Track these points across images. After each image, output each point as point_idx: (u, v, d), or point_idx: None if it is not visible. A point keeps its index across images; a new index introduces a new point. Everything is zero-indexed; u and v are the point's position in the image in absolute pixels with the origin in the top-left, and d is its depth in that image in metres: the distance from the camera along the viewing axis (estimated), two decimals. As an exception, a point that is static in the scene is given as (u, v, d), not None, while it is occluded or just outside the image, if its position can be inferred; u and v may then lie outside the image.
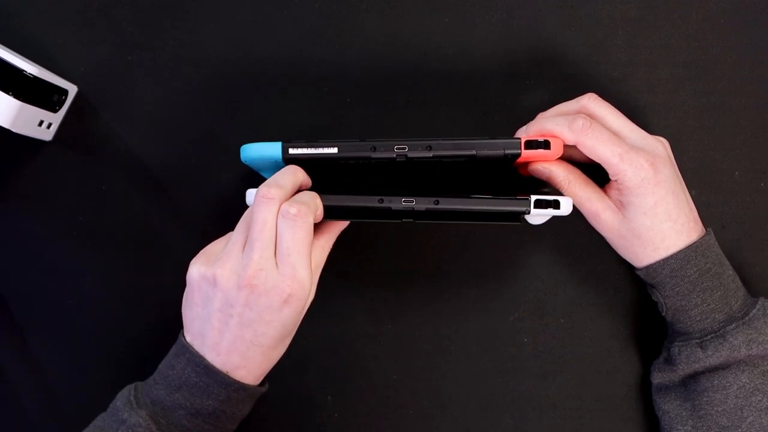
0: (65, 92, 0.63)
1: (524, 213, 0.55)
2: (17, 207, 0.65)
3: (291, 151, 0.54)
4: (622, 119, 0.58)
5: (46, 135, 0.63)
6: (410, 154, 0.53)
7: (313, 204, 0.53)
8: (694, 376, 0.57)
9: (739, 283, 0.58)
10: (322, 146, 0.54)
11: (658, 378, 0.60)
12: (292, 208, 0.51)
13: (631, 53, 0.63)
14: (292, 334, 0.55)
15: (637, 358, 0.64)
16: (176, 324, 0.65)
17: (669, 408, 0.59)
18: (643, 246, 0.57)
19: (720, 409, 0.56)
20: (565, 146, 0.59)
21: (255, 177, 0.64)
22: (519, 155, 0.54)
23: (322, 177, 0.59)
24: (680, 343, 0.57)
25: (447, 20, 0.63)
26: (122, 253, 0.65)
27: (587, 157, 0.58)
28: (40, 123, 0.61)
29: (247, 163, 0.57)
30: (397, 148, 0.53)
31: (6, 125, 0.57)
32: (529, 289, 0.64)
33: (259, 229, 0.51)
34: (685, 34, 0.63)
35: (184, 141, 0.64)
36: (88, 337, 0.65)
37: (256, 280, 0.51)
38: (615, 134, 0.56)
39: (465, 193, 0.55)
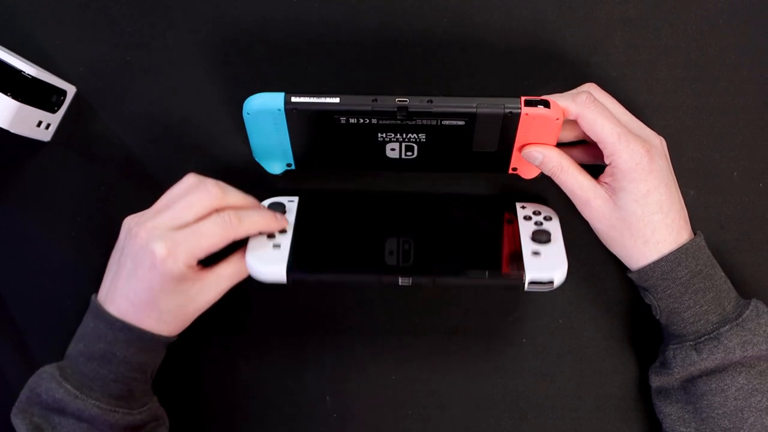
0: (63, 93, 0.63)
1: (520, 287, 0.56)
2: (16, 207, 0.65)
3: (293, 99, 0.55)
4: (621, 109, 0.58)
5: (45, 135, 0.63)
6: (411, 107, 0.54)
7: (248, 225, 0.56)
8: (691, 380, 0.57)
9: (731, 286, 0.58)
10: (324, 97, 0.54)
11: (656, 382, 0.60)
12: (234, 218, 0.55)
13: (630, 53, 0.63)
14: (173, 314, 0.56)
15: (636, 359, 0.64)
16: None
17: (671, 411, 0.59)
18: (632, 238, 0.57)
19: (720, 411, 0.56)
20: (564, 147, 0.59)
21: (254, 180, 0.64)
22: (519, 113, 0.54)
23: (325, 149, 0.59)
24: (675, 346, 0.57)
25: (445, 20, 0.63)
26: (122, 253, 0.65)
27: (585, 156, 0.58)
28: (39, 123, 0.61)
29: (248, 122, 0.57)
30: (398, 100, 0.54)
31: (4, 126, 0.57)
32: (528, 289, 0.65)
33: (183, 206, 0.54)
34: (684, 35, 0.63)
35: (183, 141, 0.64)
36: (88, 337, 0.65)
37: (144, 231, 0.53)
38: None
39: (462, 269, 0.57)
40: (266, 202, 0.62)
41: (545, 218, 0.61)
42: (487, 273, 0.57)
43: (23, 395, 0.56)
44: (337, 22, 0.64)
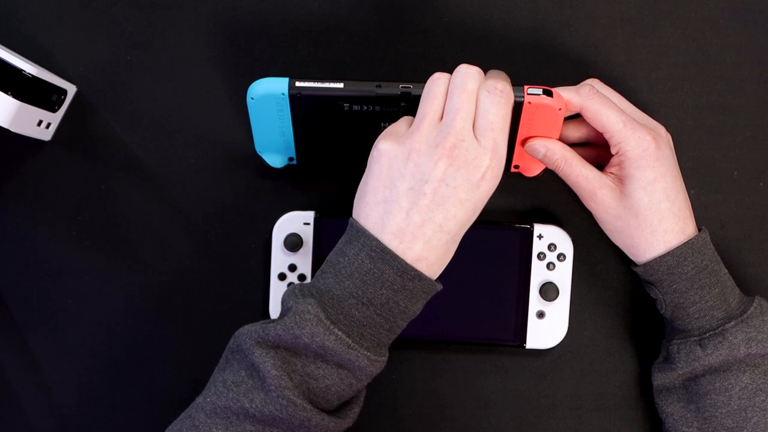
0: (64, 92, 0.63)
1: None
2: (16, 207, 0.65)
3: (298, 84, 0.55)
4: (625, 102, 0.59)
5: (45, 135, 0.63)
6: (414, 93, 0.55)
7: (510, 86, 0.53)
8: (694, 379, 0.57)
9: (734, 283, 0.58)
10: (329, 82, 0.55)
11: (658, 379, 0.60)
12: (498, 84, 0.51)
13: (630, 53, 0.63)
14: (463, 232, 0.52)
15: (636, 358, 0.64)
16: (176, 323, 0.65)
17: (673, 410, 0.58)
18: (640, 227, 0.56)
19: (724, 411, 0.56)
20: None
21: (256, 179, 0.64)
22: (522, 101, 0.54)
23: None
24: (679, 341, 0.57)
25: (446, 20, 0.64)
26: (122, 253, 0.65)
27: (588, 156, 0.58)
28: (39, 123, 0.61)
29: (251, 108, 0.58)
30: (402, 87, 0.55)
31: (5, 125, 0.57)
32: (528, 288, 0.65)
33: (466, 98, 0.50)
34: (684, 34, 0.63)
35: (183, 141, 0.64)
36: (88, 337, 0.65)
37: (456, 150, 0.49)
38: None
39: (463, 328, 0.63)
40: (280, 229, 0.62)
41: (559, 257, 0.62)
42: (487, 336, 0.63)
43: (273, 331, 0.49)
44: (338, 21, 0.64)
